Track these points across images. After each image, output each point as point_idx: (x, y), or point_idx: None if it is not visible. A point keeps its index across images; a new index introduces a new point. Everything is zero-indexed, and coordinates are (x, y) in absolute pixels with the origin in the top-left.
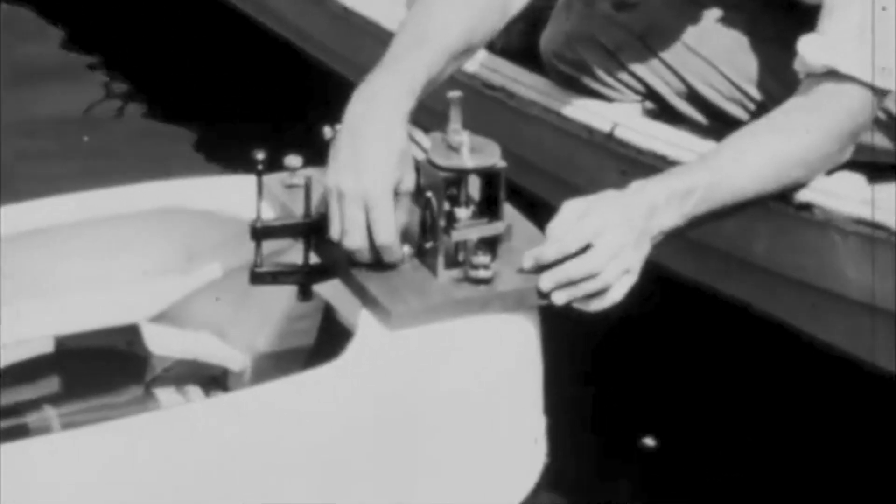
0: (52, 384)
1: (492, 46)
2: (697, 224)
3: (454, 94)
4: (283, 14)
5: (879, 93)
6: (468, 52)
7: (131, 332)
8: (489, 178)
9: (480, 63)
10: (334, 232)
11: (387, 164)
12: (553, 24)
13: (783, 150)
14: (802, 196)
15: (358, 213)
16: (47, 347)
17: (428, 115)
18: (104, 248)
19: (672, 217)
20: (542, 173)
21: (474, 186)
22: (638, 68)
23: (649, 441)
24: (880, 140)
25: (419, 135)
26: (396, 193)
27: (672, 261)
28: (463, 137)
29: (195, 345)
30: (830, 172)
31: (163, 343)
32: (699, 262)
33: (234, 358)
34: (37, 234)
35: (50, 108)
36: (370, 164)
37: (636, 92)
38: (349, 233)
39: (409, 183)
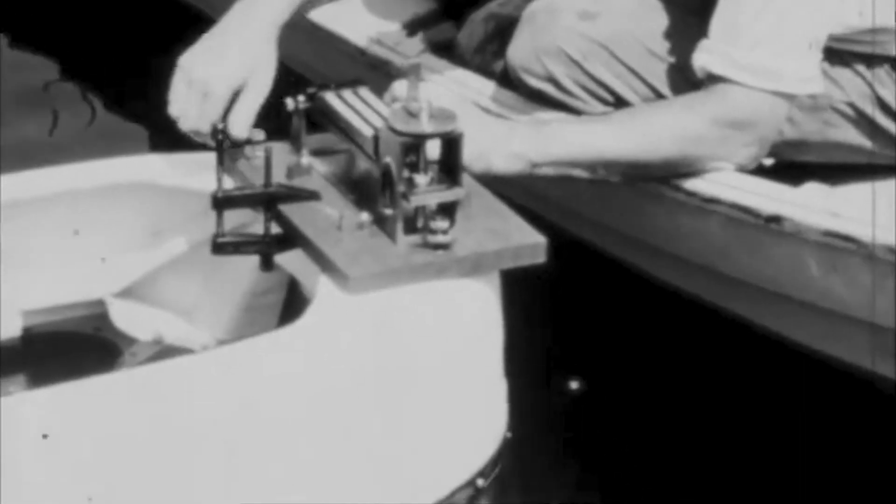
0: (20, 371)
1: (466, 66)
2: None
3: (413, 62)
4: None
5: (783, 95)
6: None
7: (99, 319)
8: (448, 143)
9: (448, 77)
10: (173, 110)
11: (237, 63)
12: (518, 38)
13: (652, 119)
14: (770, 208)
15: (198, 98)
16: (15, 331)
17: None
18: (70, 223)
19: (528, 140)
20: (511, 186)
21: (433, 152)
22: (605, 76)
23: (574, 384)
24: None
25: (377, 101)
26: (250, 89)
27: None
28: (422, 104)
29: (161, 324)
30: (797, 183)
31: (129, 320)
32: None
33: (200, 339)
34: (2, 210)
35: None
36: (223, 59)
37: (604, 101)
38: (186, 115)
39: (259, 82)
